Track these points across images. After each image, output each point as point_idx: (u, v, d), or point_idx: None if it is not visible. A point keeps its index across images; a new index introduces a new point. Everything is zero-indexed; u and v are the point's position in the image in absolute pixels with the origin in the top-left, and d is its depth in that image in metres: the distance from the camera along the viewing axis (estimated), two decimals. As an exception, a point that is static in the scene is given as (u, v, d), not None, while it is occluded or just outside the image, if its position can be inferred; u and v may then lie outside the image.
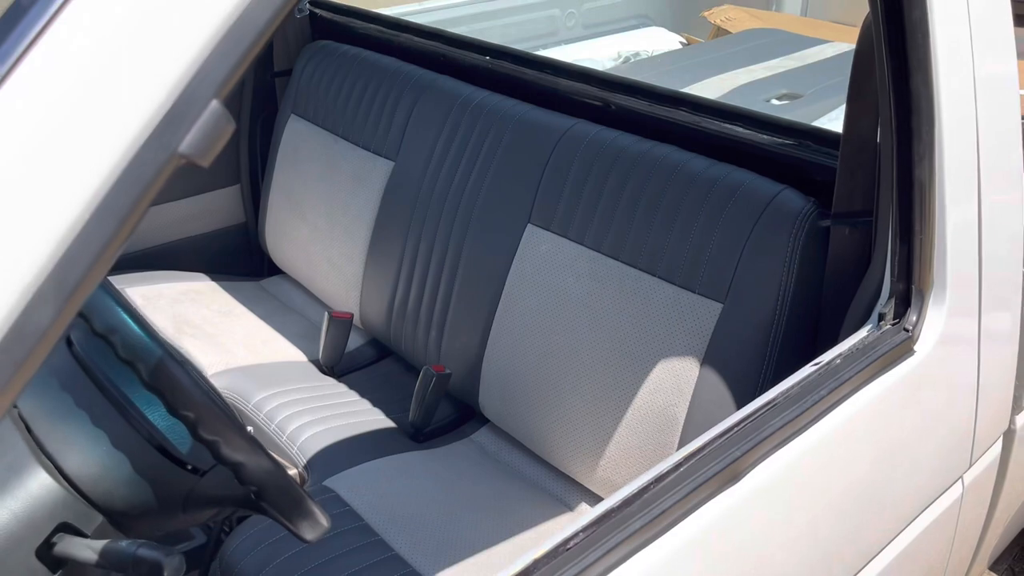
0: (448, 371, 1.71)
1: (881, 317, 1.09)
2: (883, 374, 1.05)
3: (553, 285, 1.58)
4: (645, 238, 1.46)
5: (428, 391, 1.68)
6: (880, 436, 1.07)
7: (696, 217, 1.41)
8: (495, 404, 1.69)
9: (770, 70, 2.77)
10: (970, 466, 1.24)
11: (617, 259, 1.50)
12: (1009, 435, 1.33)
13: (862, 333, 1.09)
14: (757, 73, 2.75)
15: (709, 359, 1.36)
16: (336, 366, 1.90)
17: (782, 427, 0.95)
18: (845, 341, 1.09)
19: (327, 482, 1.53)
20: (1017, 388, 1.32)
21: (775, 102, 2.51)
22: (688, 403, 1.37)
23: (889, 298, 1.09)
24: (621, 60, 3.00)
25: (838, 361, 1.02)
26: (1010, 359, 1.26)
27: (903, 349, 1.06)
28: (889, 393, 1.05)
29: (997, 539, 1.61)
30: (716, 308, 1.36)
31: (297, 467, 1.63)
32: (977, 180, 1.09)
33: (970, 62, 1.03)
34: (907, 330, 1.06)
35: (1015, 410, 1.33)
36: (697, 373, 1.37)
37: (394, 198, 1.90)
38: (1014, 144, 1.16)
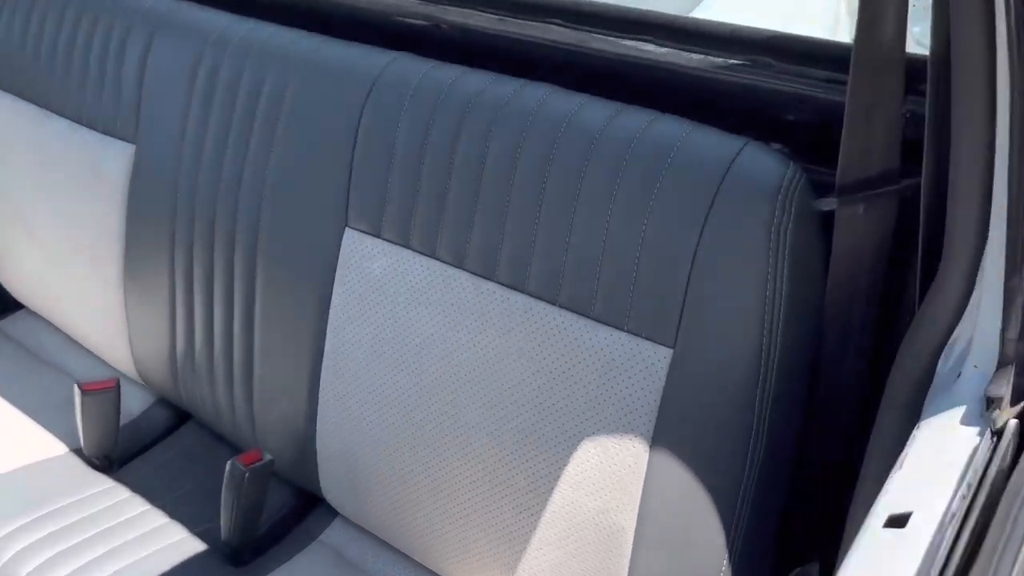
0: (267, 457, 1.15)
1: (990, 403, 0.59)
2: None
3: (398, 322, 1.02)
4: (531, 244, 0.91)
5: (240, 496, 1.12)
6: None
7: (608, 204, 0.86)
8: (343, 493, 1.15)
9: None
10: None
11: (493, 280, 0.95)
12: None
13: (957, 442, 0.58)
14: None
15: (661, 436, 0.84)
16: (111, 453, 1.31)
17: None
18: (917, 458, 0.58)
19: None
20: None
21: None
22: (638, 505, 0.87)
23: (1001, 367, 0.59)
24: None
25: (929, 529, 0.52)
26: None
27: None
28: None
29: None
30: (663, 355, 0.84)
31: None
32: None
33: None
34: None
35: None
36: (646, 459, 0.85)
37: (144, 198, 1.27)
38: None
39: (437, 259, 0.99)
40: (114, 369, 1.40)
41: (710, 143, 0.83)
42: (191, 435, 1.37)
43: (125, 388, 1.31)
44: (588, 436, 0.88)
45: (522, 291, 0.92)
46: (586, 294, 0.87)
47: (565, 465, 0.90)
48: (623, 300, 0.85)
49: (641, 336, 0.84)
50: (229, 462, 1.12)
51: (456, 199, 0.97)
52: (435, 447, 1.00)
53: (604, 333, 0.86)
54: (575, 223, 0.88)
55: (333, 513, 1.20)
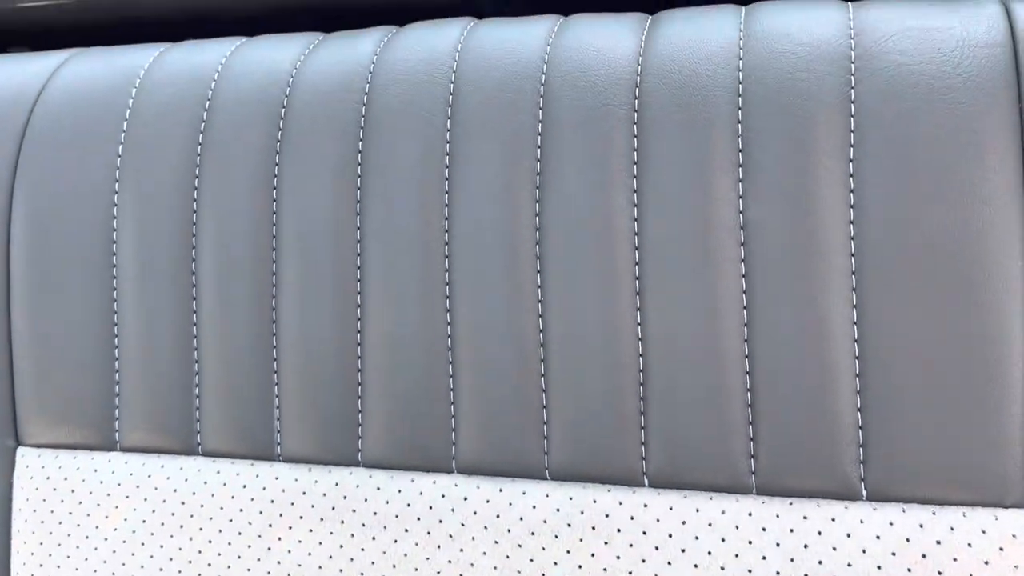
0: None
1: None
2: None
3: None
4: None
5: None
6: None
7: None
8: None
9: None
10: None
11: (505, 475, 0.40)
12: None
13: None
14: None
15: None
16: None
17: None
18: None
19: None
20: None
21: None
22: None
23: None
24: None
25: None
26: None
27: None
28: None
29: None
30: (1012, 525, 0.34)
31: None
32: None
33: None
34: None
35: None
36: None
37: None
38: None
39: (294, 462, 0.41)
40: None
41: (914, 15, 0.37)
42: None
43: None
44: None
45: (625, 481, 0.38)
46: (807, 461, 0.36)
47: None
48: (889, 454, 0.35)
49: (958, 503, 0.34)
50: None
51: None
52: None
53: (879, 522, 0.35)
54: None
55: None
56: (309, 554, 0.40)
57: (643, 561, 0.36)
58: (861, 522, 0.34)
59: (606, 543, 0.36)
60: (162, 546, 0.42)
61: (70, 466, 0.44)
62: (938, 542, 0.33)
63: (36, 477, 0.44)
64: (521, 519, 0.37)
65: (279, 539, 0.40)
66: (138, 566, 0.42)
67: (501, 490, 0.38)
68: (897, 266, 0.34)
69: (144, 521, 0.42)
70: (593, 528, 0.36)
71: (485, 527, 0.38)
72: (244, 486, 0.41)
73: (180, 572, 0.42)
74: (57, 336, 0.44)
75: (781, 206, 0.35)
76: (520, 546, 0.37)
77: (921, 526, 0.33)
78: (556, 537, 0.37)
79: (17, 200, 0.45)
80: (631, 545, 0.36)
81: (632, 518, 0.36)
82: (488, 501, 0.38)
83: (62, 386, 0.44)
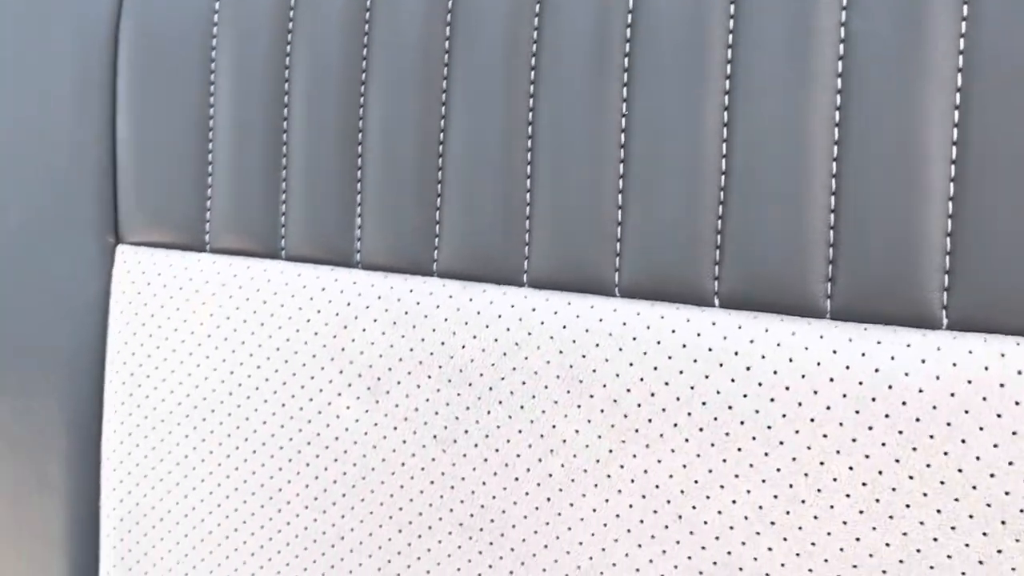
0: None
1: None
2: None
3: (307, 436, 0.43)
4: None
5: None
6: None
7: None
8: None
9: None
10: None
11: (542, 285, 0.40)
12: None
13: None
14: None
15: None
16: None
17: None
18: None
19: None
20: None
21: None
22: None
23: None
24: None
25: None
26: None
27: None
28: None
29: None
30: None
31: None
32: None
33: None
34: None
35: None
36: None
37: None
38: None
39: (370, 268, 0.43)
40: None
41: None
42: None
43: None
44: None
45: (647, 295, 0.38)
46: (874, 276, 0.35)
47: None
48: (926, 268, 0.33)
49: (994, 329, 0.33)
50: None
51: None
52: None
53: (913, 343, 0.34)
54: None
55: None
56: (380, 356, 0.41)
57: (706, 377, 0.35)
58: (938, 349, 0.33)
59: (670, 357, 0.36)
60: (243, 342, 0.44)
61: (163, 263, 0.46)
62: (1019, 372, 0.31)
63: (133, 272, 0.47)
64: (587, 331, 0.37)
65: (353, 340, 0.42)
66: (220, 360, 0.44)
67: (569, 303, 0.38)
68: (1006, 86, 0.32)
69: (228, 318, 0.44)
70: (658, 343, 0.36)
71: (551, 337, 0.38)
72: (323, 289, 0.43)
73: (259, 367, 0.44)
74: (157, 139, 0.46)
75: (887, 18, 0.33)
76: (584, 356, 0.37)
77: (1003, 355, 0.32)
78: (620, 350, 0.37)
79: (126, 11, 0.47)
80: (695, 360, 0.36)
81: (699, 335, 0.36)
82: (556, 313, 0.38)
83: (159, 188, 0.46)
